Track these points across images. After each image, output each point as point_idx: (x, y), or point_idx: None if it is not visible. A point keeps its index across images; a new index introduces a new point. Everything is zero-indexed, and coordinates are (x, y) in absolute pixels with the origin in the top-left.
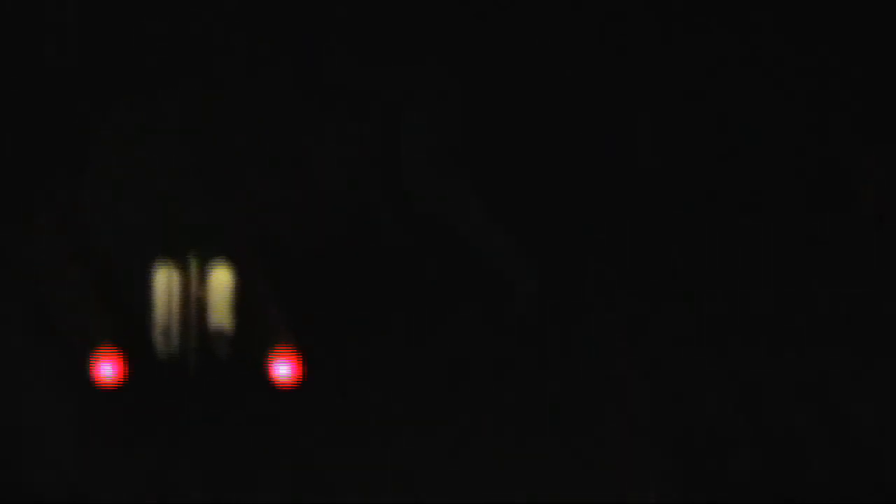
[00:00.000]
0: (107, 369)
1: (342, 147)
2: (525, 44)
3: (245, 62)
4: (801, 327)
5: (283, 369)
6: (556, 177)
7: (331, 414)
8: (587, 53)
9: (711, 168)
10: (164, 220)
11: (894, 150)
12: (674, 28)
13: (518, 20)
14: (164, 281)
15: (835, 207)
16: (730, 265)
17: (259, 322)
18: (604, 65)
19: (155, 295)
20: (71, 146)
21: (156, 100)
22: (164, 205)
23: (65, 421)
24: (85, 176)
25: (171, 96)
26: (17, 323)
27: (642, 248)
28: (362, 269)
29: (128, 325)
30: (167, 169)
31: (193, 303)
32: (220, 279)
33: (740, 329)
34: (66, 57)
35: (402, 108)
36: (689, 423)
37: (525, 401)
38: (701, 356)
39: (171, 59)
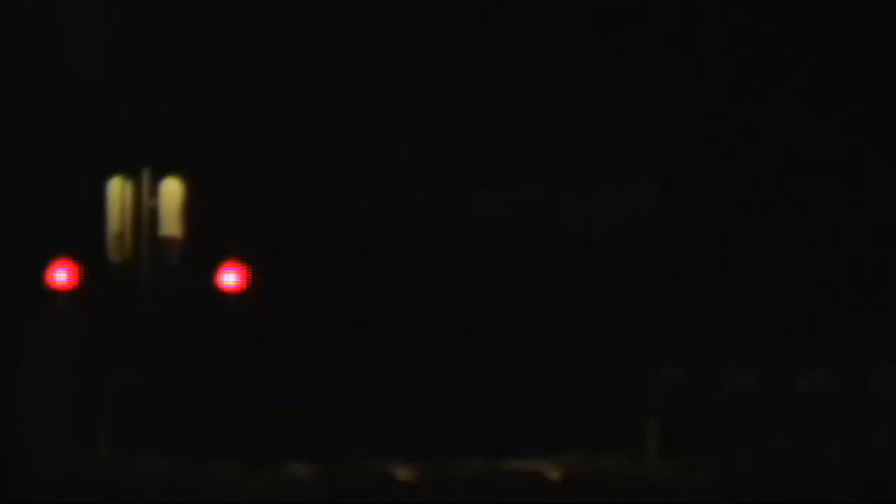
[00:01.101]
0: (62, 276)
1: None
2: None
3: None
4: None
5: (230, 278)
6: None
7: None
8: None
9: None
10: (118, 136)
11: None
12: None
13: None
14: (118, 192)
15: None
16: None
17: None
18: None
19: (109, 205)
20: None
21: None
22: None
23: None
24: None
25: None
26: None
27: None
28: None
29: (82, 234)
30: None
31: (145, 212)
32: (172, 190)
33: None
34: None
35: None
36: None
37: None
38: None
39: None
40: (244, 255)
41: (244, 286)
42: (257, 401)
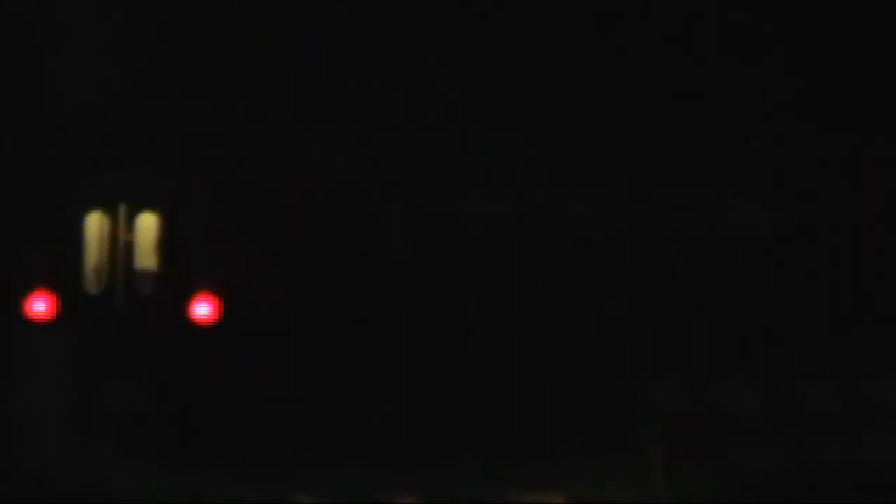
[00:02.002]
0: (40, 306)
1: None
2: None
3: None
4: None
5: (202, 309)
6: None
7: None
8: None
9: None
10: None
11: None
12: None
13: None
14: (96, 226)
15: None
16: None
17: (182, 266)
18: None
19: (86, 238)
20: None
21: None
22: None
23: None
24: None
25: None
26: None
27: None
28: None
29: (61, 266)
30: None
31: (121, 246)
32: (147, 225)
33: None
34: None
35: None
36: None
37: None
38: None
39: None
40: (217, 287)
41: (216, 318)
42: (264, 429)
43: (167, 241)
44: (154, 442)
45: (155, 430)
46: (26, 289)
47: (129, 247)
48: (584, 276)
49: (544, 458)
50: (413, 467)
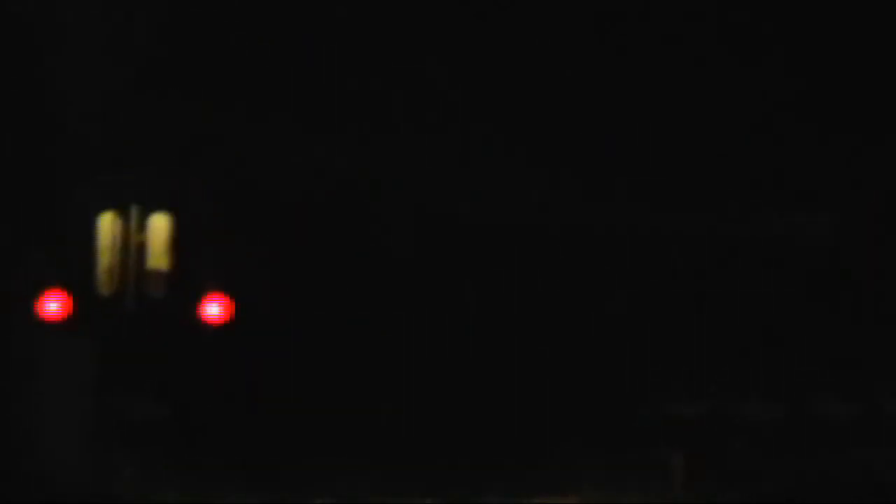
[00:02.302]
0: (52, 306)
1: None
2: None
3: None
4: None
5: (213, 309)
6: None
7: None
8: None
9: None
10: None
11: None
12: None
13: None
14: (108, 227)
15: None
16: None
17: (193, 266)
18: None
19: (98, 239)
20: None
21: None
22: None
23: None
24: None
25: None
26: None
27: None
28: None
29: (73, 266)
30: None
31: (133, 247)
32: (159, 226)
33: None
34: None
35: None
36: None
37: None
38: None
39: None
40: (227, 287)
41: (227, 318)
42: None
43: (178, 242)
44: (166, 445)
45: (167, 434)
46: (38, 289)
47: (141, 248)
48: (603, 281)
49: (556, 461)
50: (423, 470)
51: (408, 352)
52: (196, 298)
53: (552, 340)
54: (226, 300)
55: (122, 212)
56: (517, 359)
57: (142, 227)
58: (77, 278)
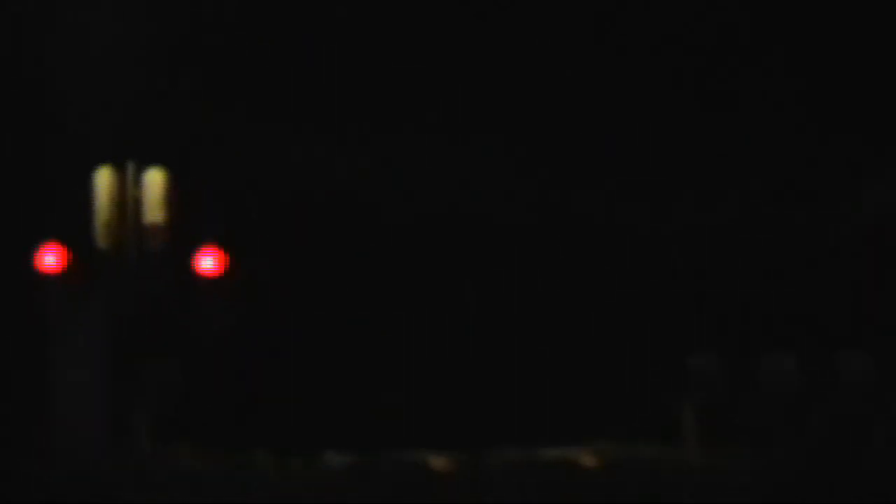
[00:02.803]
0: (50, 259)
1: None
2: None
3: None
4: None
5: (207, 262)
6: None
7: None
8: None
9: None
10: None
11: None
12: None
13: None
14: (105, 182)
15: None
16: None
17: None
18: None
19: (96, 194)
20: None
21: None
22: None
23: None
24: None
25: None
26: None
27: None
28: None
29: (71, 220)
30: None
31: (130, 201)
32: (155, 180)
33: None
34: None
35: None
36: None
37: None
38: None
39: None
40: (222, 240)
41: (221, 270)
42: (291, 391)
43: (174, 197)
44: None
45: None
46: (36, 243)
47: (138, 202)
48: (622, 242)
49: (573, 416)
50: (434, 423)
51: (417, 303)
52: (192, 252)
53: (568, 294)
54: (220, 253)
55: (119, 167)
56: (532, 311)
57: (138, 182)
58: (74, 232)
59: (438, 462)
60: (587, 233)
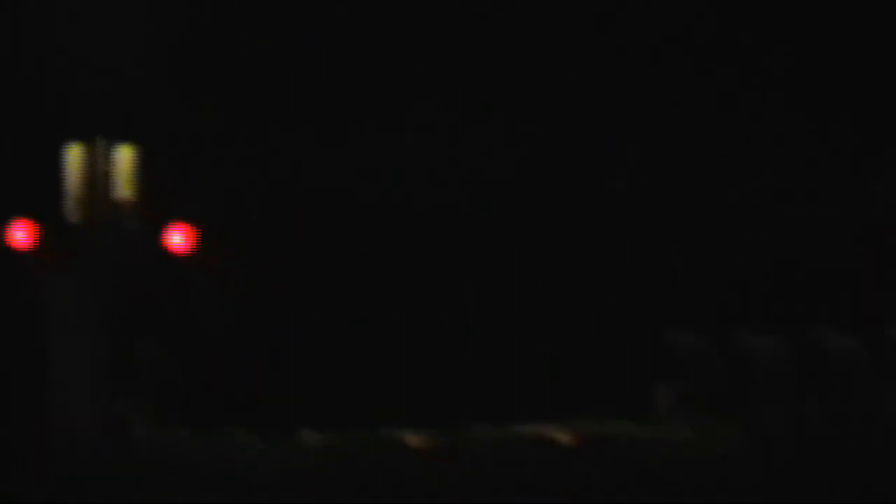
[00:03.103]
0: (21, 234)
1: None
2: None
3: None
4: None
5: (176, 238)
6: None
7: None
8: None
9: None
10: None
11: None
12: None
13: None
14: (75, 158)
15: None
16: None
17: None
18: None
19: (67, 170)
20: None
21: None
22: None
23: None
24: None
25: None
26: None
27: None
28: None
29: (42, 196)
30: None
31: (100, 177)
32: (125, 157)
33: None
34: None
35: None
36: None
37: None
38: None
39: None
40: (193, 217)
41: (191, 246)
42: (268, 370)
43: (143, 173)
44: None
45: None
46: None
47: (107, 178)
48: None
49: (550, 393)
50: (415, 400)
51: (398, 283)
52: (161, 228)
53: (548, 271)
54: (189, 229)
55: (89, 144)
56: (512, 289)
57: (107, 158)
58: (46, 207)
59: (415, 439)
60: (568, 209)
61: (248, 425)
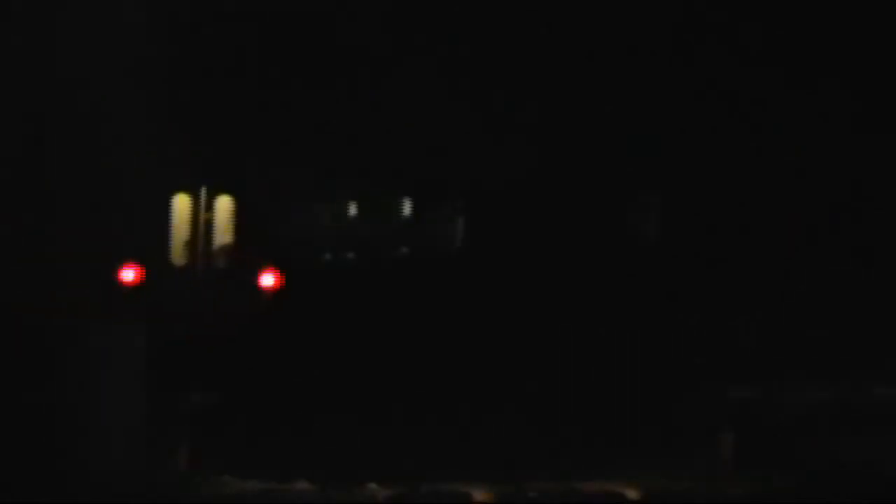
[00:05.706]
0: (129, 274)
1: None
2: None
3: None
4: None
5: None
6: None
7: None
8: None
9: None
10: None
11: None
12: None
13: None
14: (180, 206)
15: None
16: None
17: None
18: None
19: (172, 217)
20: None
21: None
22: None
23: None
24: None
25: None
26: None
27: None
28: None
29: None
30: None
31: (202, 224)
32: (224, 206)
33: None
34: None
35: None
36: None
37: None
38: None
39: None
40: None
41: (278, 286)
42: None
43: (240, 221)
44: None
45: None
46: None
47: (209, 224)
48: (651, 271)
49: (614, 447)
50: (473, 453)
51: (459, 329)
52: (254, 270)
53: (607, 318)
54: (276, 272)
55: (193, 193)
56: (581, 342)
57: (209, 206)
58: (150, 251)
59: (480, 493)
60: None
61: (312, 477)
